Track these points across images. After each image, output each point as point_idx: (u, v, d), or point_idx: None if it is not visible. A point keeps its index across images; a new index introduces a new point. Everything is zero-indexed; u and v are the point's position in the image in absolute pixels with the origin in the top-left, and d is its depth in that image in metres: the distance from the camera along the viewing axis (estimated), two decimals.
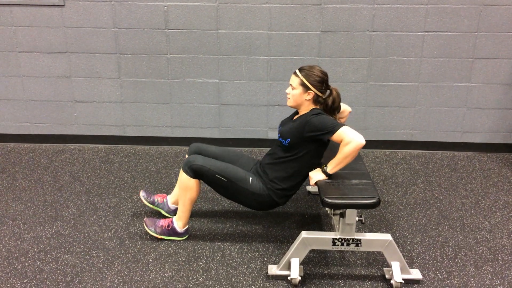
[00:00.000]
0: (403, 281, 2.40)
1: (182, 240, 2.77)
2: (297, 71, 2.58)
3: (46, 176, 3.52)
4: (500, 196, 3.31)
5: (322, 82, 2.56)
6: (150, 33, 3.75)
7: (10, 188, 3.35)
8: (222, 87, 3.89)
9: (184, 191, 2.66)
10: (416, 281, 2.46)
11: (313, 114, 2.52)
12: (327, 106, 2.60)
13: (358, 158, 2.77)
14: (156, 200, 2.99)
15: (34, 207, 3.12)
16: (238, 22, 3.69)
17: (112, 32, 3.75)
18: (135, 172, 3.62)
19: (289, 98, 2.62)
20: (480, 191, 3.38)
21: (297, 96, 2.58)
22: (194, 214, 3.06)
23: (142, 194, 2.99)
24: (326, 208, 2.99)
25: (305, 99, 2.58)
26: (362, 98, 3.86)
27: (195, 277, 2.49)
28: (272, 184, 2.64)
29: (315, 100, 2.60)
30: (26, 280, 2.44)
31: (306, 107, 2.61)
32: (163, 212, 2.98)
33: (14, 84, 3.94)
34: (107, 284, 2.43)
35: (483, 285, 2.45)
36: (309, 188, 3.36)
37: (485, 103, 3.87)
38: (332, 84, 3.76)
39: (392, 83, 3.83)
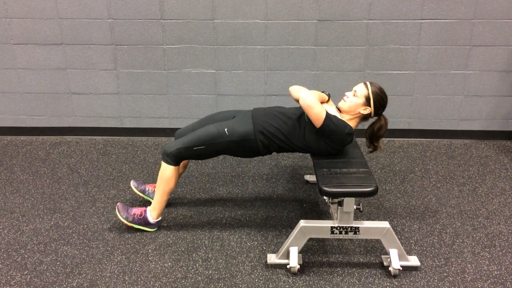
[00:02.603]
0: (401, 268, 2.42)
1: (151, 231, 2.76)
2: (368, 84, 2.58)
3: (44, 169, 3.52)
4: (497, 183, 3.33)
5: (382, 107, 2.60)
6: (146, 24, 3.72)
7: (8, 181, 3.34)
8: (219, 77, 3.88)
9: (164, 181, 2.66)
10: (414, 268, 2.48)
11: (347, 132, 2.52)
12: (373, 131, 2.62)
13: (355, 147, 2.78)
14: (147, 189, 3.00)
15: (33, 199, 3.12)
16: (234, 12, 3.67)
17: (107, 23, 3.73)
18: (133, 163, 3.62)
19: (344, 101, 2.61)
20: (477, 178, 3.39)
21: (355, 105, 2.58)
22: (193, 204, 3.07)
23: (132, 183, 3.00)
24: (324, 197, 3.01)
25: (359, 111, 2.59)
26: None
27: (194, 266, 2.50)
28: (267, 132, 2.60)
29: (365, 117, 2.63)
30: (26, 272, 2.45)
31: (352, 117, 2.63)
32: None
33: (10, 76, 3.92)
34: (107, 274, 2.44)
35: (481, 271, 2.47)
36: (307, 177, 3.37)
37: (482, 90, 3.87)
38: (329, 73, 3.76)
39: (389, 72, 3.83)
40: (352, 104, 2.59)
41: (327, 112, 2.49)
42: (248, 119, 2.68)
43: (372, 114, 2.60)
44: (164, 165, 2.65)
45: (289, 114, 2.67)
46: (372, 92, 2.55)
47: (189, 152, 2.62)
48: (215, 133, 2.62)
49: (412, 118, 3.97)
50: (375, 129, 2.62)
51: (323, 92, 2.72)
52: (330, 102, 2.75)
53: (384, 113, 2.57)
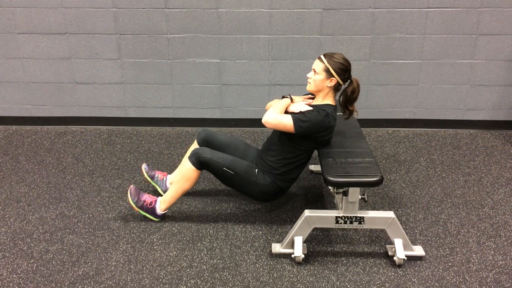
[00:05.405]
0: (405, 258, 2.42)
1: (155, 221, 2.78)
2: (322, 57, 2.55)
3: (49, 158, 3.53)
4: (503, 173, 3.31)
5: (345, 71, 2.55)
6: (150, 13, 3.70)
7: (14, 170, 3.36)
8: (223, 67, 3.86)
9: (183, 179, 2.67)
10: (419, 258, 2.48)
11: (323, 115, 2.50)
12: (347, 96, 2.60)
13: (360, 137, 2.77)
14: (156, 176, 3.02)
15: (38, 188, 3.13)
16: (238, 0, 3.64)
17: (111, 12, 3.71)
18: (138, 153, 3.62)
19: (309, 83, 2.60)
20: (483, 168, 3.38)
21: (319, 81, 2.56)
22: (198, 194, 3.07)
23: (144, 166, 3.02)
24: (329, 187, 3.00)
25: (326, 86, 2.57)
26: (364, 76, 3.84)
27: (199, 255, 2.51)
28: (273, 170, 2.66)
29: (336, 88, 2.59)
30: (32, 261, 2.47)
31: (325, 94, 2.60)
32: (159, 190, 3.00)
33: (14, 66, 3.91)
34: (113, 263, 2.45)
35: (486, 260, 2.47)
36: (311, 167, 3.37)
37: (488, 80, 3.84)
38: None
39: (395, 61, 3.80)
40: (317, 82, 2.56)
41: (292, 116, 2.49)
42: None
43: (340, 81, 2.57)
44: (188, 164, 2.65)
45: (275, 139, 2.69)
46: (328, 63, 2.52)
47: (217, 168, 2.63)
48: (248, 168, 2.66)
49: (417, 108, 3.95)
50: (349, 92, 2.59)
51: (283, 97, 2.70)
52: (296, 99, 2.72)
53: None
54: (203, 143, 2.91)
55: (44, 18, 3.75)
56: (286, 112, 2.61)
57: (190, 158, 2.65)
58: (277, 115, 2.50)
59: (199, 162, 2.63)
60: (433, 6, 3.61)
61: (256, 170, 2.68)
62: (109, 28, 3.76)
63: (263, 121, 2.51)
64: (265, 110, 3.90)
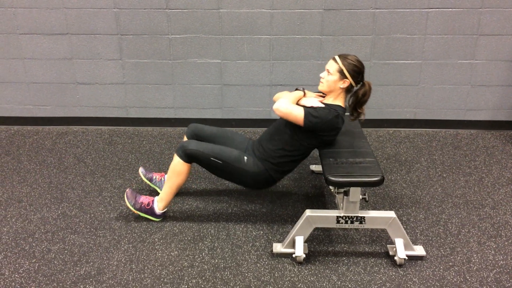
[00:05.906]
0: (406, 258, 2.43)
1: (156, 221, 2.78)
2: (337, 58, 2.55)
3: (50, 158, 3.54)
4: (503, 173, 3.32)
5: (359, 73, 2.56)
6: (151, 13, 3.71)
7: (15, 171, 3.37)
8: (224, 67, 3.87)
9: (174, 175, 2.67)
10: (420, 258, 2.48)
11: (334, 115, 2.49)
12: (357, 98, 2.60)
13: (361, 137, 2.78)
14: (154, 177, 3.02)
15: (40, 188, 3.14)
16: (239, 1, 3.65)
17: (112, 12, 3.72)
18: (139, 153, 3.63)
19: (322, 83, 2.60)
20: (483, 168, 3.38)
21: (332, 82, 2.56)
22: (199, 194, 3.08)
23: (141, 170, 3.03)
24: (330, 187, 3.01)
25: (339, 87, 2.57)
26: (365, 76, 3.83)
27: (200, 255, 2.52)
28: (270, 158, 2.64)
29: (348, 89, 2.59)
30: (34, 260, 2.48)
31: (336, 95, 2.61)
32: (159, 191, 3.01)
33: (16, 66, 3.92)
34: (114, 263, 2.46)
35: (486, 260, 2.47)
36: (312, 167, 3.37)
37: (489, 80, 3.84)
38: None
39: (396, 61, 3.80)
40: (330, 82, 2.56)
41: (304, 109, 2.48)
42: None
43: (353, 83, 2.57)
44: (176, 158, 2.65)
45: (280, 128, 2.67)
46: (343, 64, 2.53)
47: (204, 159, 2.62)
48: (236, 156, 2.64)
49: (418, 108, 3.96)
50: (360, 95, 2.59)
51: (296, 89, 2.69)
52: (308, 94, 2.72)
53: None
54: (192, 137, 2.90)
55: (46, 19, 3.76)
56: (298, 104, 2.61)
57: (177, 152, 2.65)
58: (289, 105, 2.48)
59: (186, 154, 2.62)
60: (434, 7, 3.62)
61: (245, 157, 2.65)
62: (110, 29, 3.77)
63: (274, 107, 2.49)
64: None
